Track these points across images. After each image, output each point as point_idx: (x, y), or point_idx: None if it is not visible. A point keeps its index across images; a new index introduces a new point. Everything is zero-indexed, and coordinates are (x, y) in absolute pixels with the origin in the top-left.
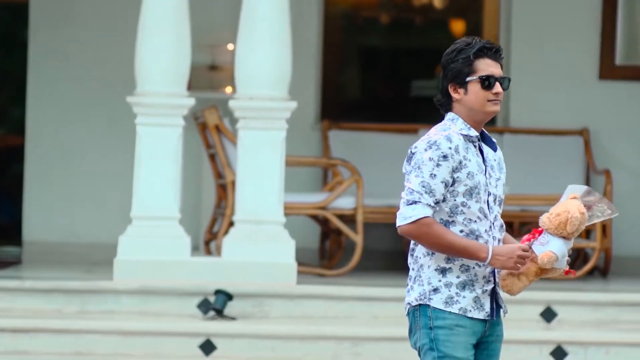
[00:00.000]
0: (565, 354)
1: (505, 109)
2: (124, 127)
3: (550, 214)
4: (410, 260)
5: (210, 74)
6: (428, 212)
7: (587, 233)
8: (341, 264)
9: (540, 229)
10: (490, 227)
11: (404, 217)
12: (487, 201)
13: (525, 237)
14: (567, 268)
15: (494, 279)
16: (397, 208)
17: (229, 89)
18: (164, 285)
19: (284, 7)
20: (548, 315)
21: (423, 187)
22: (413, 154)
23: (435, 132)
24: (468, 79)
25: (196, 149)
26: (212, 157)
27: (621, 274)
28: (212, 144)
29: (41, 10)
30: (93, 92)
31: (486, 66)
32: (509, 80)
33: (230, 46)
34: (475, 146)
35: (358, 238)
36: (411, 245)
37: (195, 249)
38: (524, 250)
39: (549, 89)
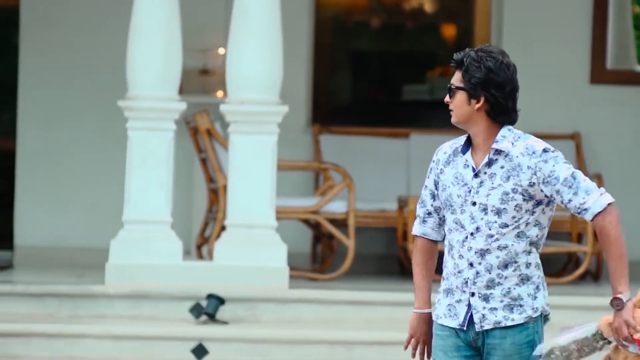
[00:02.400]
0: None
1: None
2: (115, 131)
3: None
4: None
5: (201, 78)
6: (417, 229)
7: (579, 237)
8: (333, 268)
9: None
10: (467, 237)
11: None
12: (471, 212)
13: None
14: None
15: (471, 290)
16: (389, 212)
17: (220, 93)
18: (156, 289)
19: (274, 11)
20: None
21: (420, 197)
22: None
23: None
24: None
25: (187, 153)
26: (204, 162)
27: None
28: (204, 148)
29: (31, 13)
30: (84, 95)
31: None
32: (449, 88)
33: (221, 50)
34: (462, 157)
35: (350, 242)
36: None
37: (187, 253)
38: None
39: (540, 93)
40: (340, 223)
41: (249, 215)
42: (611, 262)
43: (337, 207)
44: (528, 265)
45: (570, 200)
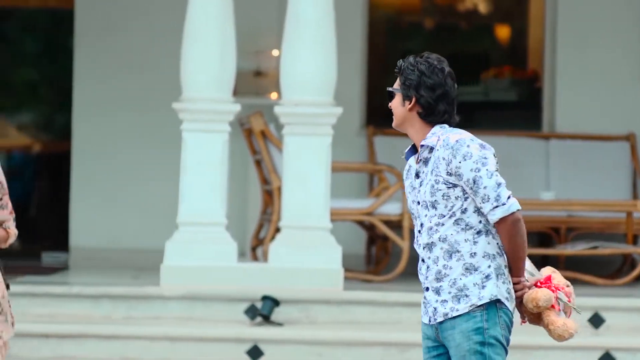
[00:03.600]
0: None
1: (551, 114)
2: (170, 133)
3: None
4: None
5: (255, 80)
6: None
7: (634, 239)
8: (388, 270)
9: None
10: (417, 235)
11: None
12: (418, 211)
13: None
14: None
15: (426, 285)
16: None
17: (274, 95)
18: (211, 291)
19: (328, 13)
20: (596, 321)
21: None
22: None
23: None
24: None
25: (242, 154)
26: (258, 163)
27: None
28: (258, 149)
29: (86, 17)
30: (138, 98)
31: None
32: (388, 92)
33: (275, 52)
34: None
35: (405, 243)
36: None
37: (241, 255)
38: None
39: (594, 94)
40: (395, 224)
41: (304, 217)
42: (509, 261)
43: (391, 208)
44: (473, 254)
45: (474, 199)
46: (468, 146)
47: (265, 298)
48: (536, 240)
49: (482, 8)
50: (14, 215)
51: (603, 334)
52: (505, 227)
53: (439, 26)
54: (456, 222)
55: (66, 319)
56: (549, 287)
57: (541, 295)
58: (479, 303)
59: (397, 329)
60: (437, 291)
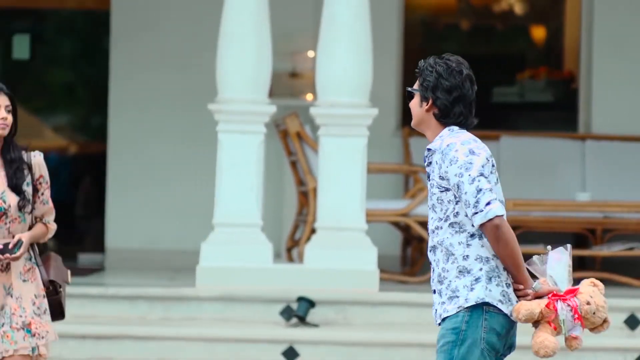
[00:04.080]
0: None
1: (587, 114)
2: (206, 134)
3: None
4: None
5: (290, 81)
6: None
7: None
8: (423, 271)
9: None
10: (429, 234)
11: None
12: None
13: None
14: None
15: (433, 288)
16: None
17: (309, 96)
18: (246, 292)
19: (364, 14)
20: (632, 322)
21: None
22: None
23: None
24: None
25: (277, 156)
26: (294, 164)
27: None
28: (294, 151)
29: (123, 18)
30: (174, 99)
31: None
32: (408, 92)
33: (310, 53)
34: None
35: None
36: None
37: (277, 256)
38: None
39: (631, 94)
40: None
41: (339, 218)
42: (506, 268)
43: (427, 209)
44: (465, 257)
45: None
46: (456, 151)
47: (300, 299)
48: (572, 241)
49: (518, 9)
50: (54, 210)
51: (639, 335)
52: (486, 233)
53: (475, 27)
54: (451, 226)
55: (103, 320)
56: (562, 300)
57: (523, 308)
58: (465, 305)
59: (432, 330)
60: (440, 293)
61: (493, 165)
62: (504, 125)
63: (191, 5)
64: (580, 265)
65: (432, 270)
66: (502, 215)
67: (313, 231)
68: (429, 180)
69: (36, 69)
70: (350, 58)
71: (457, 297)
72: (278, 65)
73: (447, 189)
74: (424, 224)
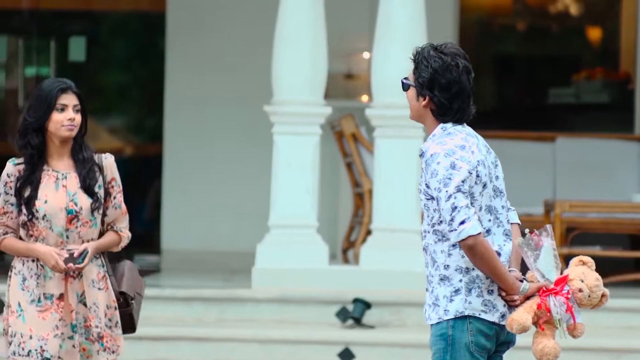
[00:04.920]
0: None
1: None
2: (261, 134)
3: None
4: None
5: (346, 82)
6: None
7: None
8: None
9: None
10: None
11: None
12: None
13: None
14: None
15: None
16: (535, 216)
17: (365, 98)
18: (302, 293)
19: (419, 15)
20: None
21: None
22: None
23: None
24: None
25: (333, 157)
26: (349, 166)
27: None
28: (349, 152)
29: (178, 19)
30: (229, 100)
31: None
32: (403, 83)
33: (366, 54)
34: None
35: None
36: None
37: (332, 258)
38: None
39: None
40: None
41: (395, 219)
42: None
43: None
44: (446, 267)
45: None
46: (438, 163)
47: (356, 301)
48: (628, 242)
49: (574, 10)
50: (127, 216)
51: None
52: (464, 250)
53: (531, 28)
54: (434, 233)
55: (159, 322)
56: (554, 294)
57: (515, 323)
58: (445, 317)
59: None
60: (428, 296)
61: (478, 176)
62: (560, 127)
63: (246, 5)
64: (637, 266)
65: (423, 271)
66: (476, 235)
67: (369, 232)
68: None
69: (91, 71)
70: (406, 59)
71: (438, 306)
72: (333, 66)
73: (432, 198)
74: None
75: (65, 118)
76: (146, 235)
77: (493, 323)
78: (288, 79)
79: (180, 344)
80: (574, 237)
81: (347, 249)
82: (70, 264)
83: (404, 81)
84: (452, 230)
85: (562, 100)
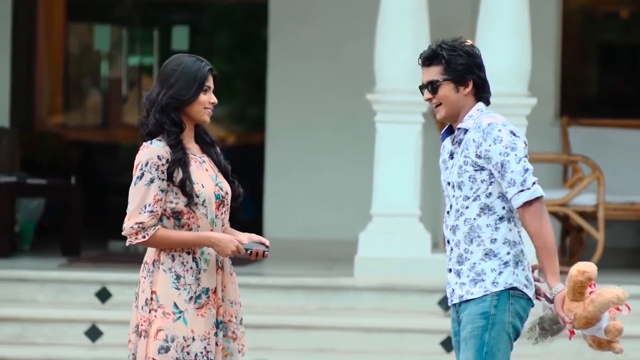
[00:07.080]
0: None
1: None
2: (363, 122)
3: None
4: None
5: None
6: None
7: None
8: (583, 261)
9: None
10: (445, 216)
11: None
12: (447, 191)
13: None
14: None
15: (449, 267)
16: (639, 204)
17: None
18: (404, 282)
19: (523, 3)
20: None
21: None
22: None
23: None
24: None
25: (434, 146)
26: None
27: None
28: None
29: (281, 9)
30: (332, 89)
31: None
32: (430, 86)
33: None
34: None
35: (600, 235)
36: None
37: (435, 246)
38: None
39: None
40: (590, 216)
41: None
42: (537, 256)
43: (586, 199)
44: (493, 240)
45: (500, 183)
46: (499, 130)
47: None
48: None
49: None
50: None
51: None
52: (528, 212)
53: (635, 16)
54: (480, 206)
55: (261, 310)
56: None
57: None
58: (493, 290)
59: None
60: (458, 273)
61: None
62: None
63: None
64: None
65: (449, 249)
66: (542, 197)
67: None
68: (452, 159)
69: None
70: (509, 48)
71: (483, 280)
72: None
73: (483, 168)
74: (583, 214)
75: (208, 100)
76: (249, 223)
77: (529, 301)
78: (390, 67)
79: (282, 332)
80: None
81: None
82: (261, 248)
83: (435, 80)
84: (523, 190)
85: None
